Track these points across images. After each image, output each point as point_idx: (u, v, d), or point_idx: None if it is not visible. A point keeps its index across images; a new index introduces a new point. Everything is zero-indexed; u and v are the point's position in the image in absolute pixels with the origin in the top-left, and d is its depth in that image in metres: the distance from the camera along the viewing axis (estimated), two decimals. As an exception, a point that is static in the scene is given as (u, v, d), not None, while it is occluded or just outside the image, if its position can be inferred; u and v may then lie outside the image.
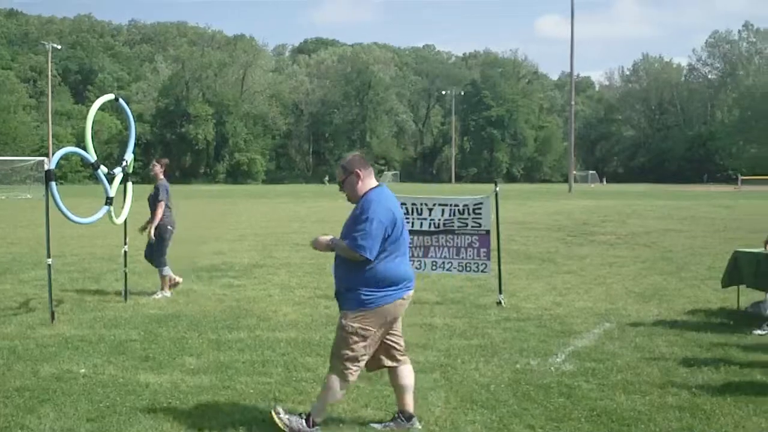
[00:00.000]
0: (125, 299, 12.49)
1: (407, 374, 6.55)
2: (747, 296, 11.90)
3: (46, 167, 10.85)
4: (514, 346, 9.38)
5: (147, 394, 7.29)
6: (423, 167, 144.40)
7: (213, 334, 9.96)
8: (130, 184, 12.33)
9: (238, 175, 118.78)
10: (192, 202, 49.70)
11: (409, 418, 6.44)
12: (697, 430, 6.33)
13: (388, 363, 6.53)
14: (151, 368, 8.28)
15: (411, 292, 6.51)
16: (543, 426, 6.45)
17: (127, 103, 12.77)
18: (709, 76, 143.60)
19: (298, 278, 15.22)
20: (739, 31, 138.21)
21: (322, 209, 40.93)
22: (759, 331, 10.02)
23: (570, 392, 7.39)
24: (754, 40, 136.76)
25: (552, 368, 8.31)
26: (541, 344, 9.49)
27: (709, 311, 11.68)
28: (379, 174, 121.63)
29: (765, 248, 10.97)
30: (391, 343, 6.53)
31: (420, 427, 6.44)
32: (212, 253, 19.69)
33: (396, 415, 6.49)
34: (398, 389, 6.52)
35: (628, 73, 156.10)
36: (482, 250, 12.49)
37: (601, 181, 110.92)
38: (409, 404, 6.48)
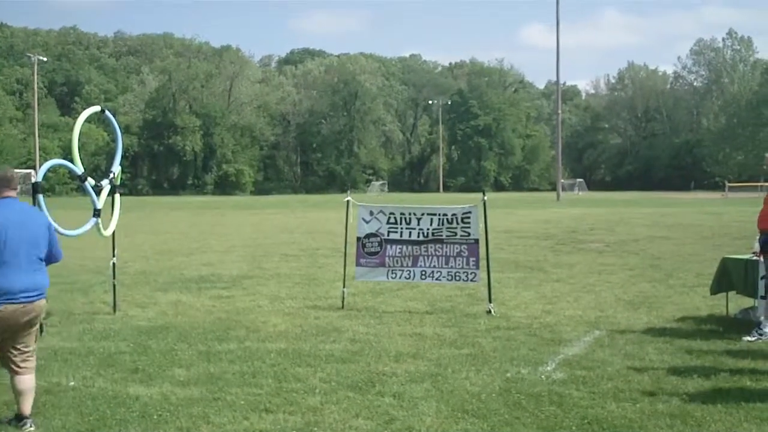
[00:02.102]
0: (114, 311, 12.45)
1: (23, 382, 6.85)
2: (736, 303, 11.94)
3: (33, 180, 10.82)
4: (504, 354, 9.39)
5: (137, 406, 7.26)
6: (411, 177, 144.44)
7: (203, 346, 9.93)
8: (117, 196, 12.29)
9: (226, 186, 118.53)
10: (180, 213, 49.62)
11: (20, 419, 6.75)
12: (688, 437, 6.34)
13: (11, 368, 6.89)
14: (140, 380, 8.25)
15: (12, 306, 6.62)
16: (534, 434, 6.45)
17: (114, 115, 12.76)
18: (695, 84, 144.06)
19: (287, 289, 15.19)
20: (723, 39, 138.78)
21: (310, 220, 40.91)
22: (748, 338, 10.05)
23: (561, 400, 7.40)
24: (738, 47, 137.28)
25: (542, 377, 8.31)
26: (531, 353, 9.50)
27: (699, 318, 11.71)
28: (366, 183, 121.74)
29: (755, 255, 11.01)
30: (8, 354, 6.85)
31: (33, 429, 6.67)
32: (201, 264, 19.65)
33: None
34: (15, 393, 6.87)
35: (613, 81, 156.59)
36: (471, 259, 12.52)
37: (574, 191, 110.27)
38: (24, 408, 6.77)
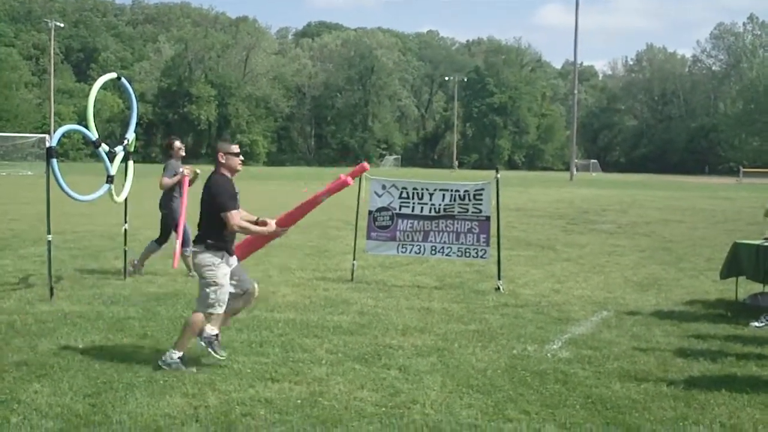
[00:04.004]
0: (125, 277, 12.52)
1: None
2: (745, 288, 11.92)
3: (47, 144, 10.87)
4: (511, 332, 9.41)
5: (144, 371, 7.31)
6: (425, 152, 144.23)
7: (211, 314, 9.96)
8: (131, 163, 12.31)
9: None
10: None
11: None
12: (691, 420, 6.34)
13: None
14: (149, 346, 8.30)
15: None
16: (538, 412, 6.47)
17: (130, 83, 12.75)
18: (713, 68, 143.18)
19: (297, 260, 15.23)
20: (744, 24, 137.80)
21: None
22: (756, 323, 10.04)
23: (566, 379, 7.42)
24: (759, 32, 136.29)
25: (548, 355, 8.33)
26: (538, 331, 9.51)
27: (707, 302, 11.70)
28: (380, 158, 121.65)
29: (766, 241, 10.99)
30: None
31: None
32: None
33: None
34: None
35: (631, 63, 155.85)
36: (482, 235, 12.53)
37: (588, 171, 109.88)
38: None
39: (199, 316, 7.58)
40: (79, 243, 16.87)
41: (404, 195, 12.89)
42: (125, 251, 12.91)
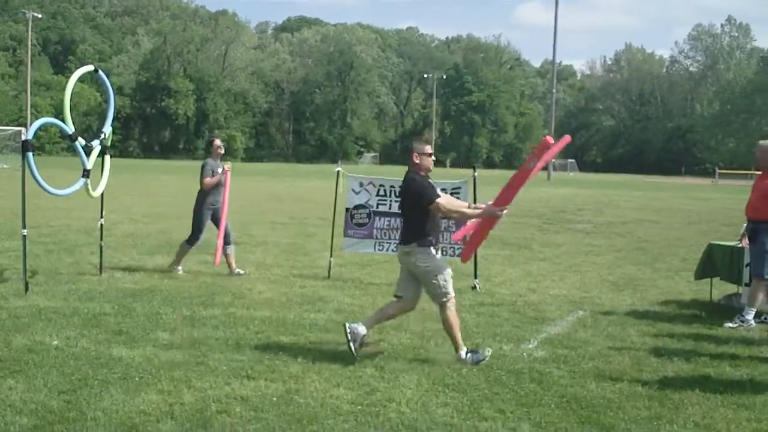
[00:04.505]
0: (100, 272, 12.45)
1: None
2: (719, 289, 12.00)
3: (23, 137, 10.80)
4: (487, 330, 9.44)
5: (119, 367, 7.28)
6: (403, 150, 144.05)
7: (187, 310, 9.95)
8: (107, 157, 12.25)
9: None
10: (170, 177, 49.54)
11: None
12: (665, 419, 6.38)
13: None
14: (124, 342, 8.27)
15: None
16: (513, 411, 6.49)
17: (107, 76, 12.69)
18: (691, 69, 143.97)
19: (274, 257, 15.22)
20: (722, 25, 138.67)
21: (300, 189, 40.89)
22: (730, 324, 10.11)
23: (541, 378, 7.45)
24: (737, 34, 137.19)
25: (524, 354, 8.36)
26: (514, 330, 9.55)
27: (682, 302, 11.78)
28: (358, 155, 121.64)
29: (740, 242, 11.09)
30: None
31: None
32: (188, 228, 19.58)
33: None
34: None
35: (610, 62, 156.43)
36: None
37: (565, 171, 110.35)
38: None
39: (447, 313, 8.01)
40: (54, 237, 16.77)
41: (381, 192, 12.91)
42: (101, 246, 12.85)
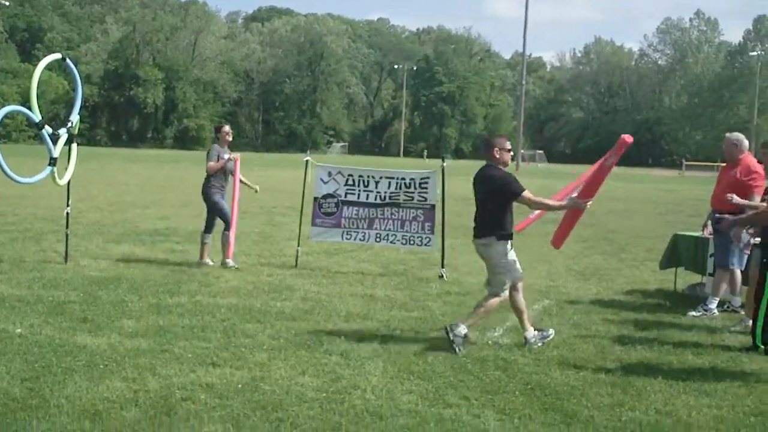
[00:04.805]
0: (66, 261, 12.37)
1: None
2: (684, 278, 12.12)
3: (-12, 124, 10.68)
4: (453, 319, 9.42)
5: (84, 355, 7.25)
6: (372, 140, 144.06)
7: (153, 298, 9.92)
8: (74, 146, 12.12)
9: (186, 140, 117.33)
10: (138, 166, 49.27)
11: None
12: (627, 406, 6.45)
13: None
14: (89, 330, 8.24)
15: None
16: (478, 398, 6.53)
17: (75, 64, 12.57)
18: (659, 62, 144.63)
19: (241, 245, 15.16)
20: (690, 19, 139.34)
21: (269, 178, 40.74)
22: (694, 313, 10.22)
23: (506, 366, 7.50)
24: (705, 28, 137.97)
25: (489, 342, 8.42)
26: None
27: (647, 292, 11.88)
28: (327, 145, 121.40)
29: (703, 232, 11.21)
30: None
31: None
32: (156, 217, 19.57)
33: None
34: None
35: (579, 55, 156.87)
36: (427, 224, 12.60)
37: (534, 162, 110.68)
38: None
39: (496, 300, 8.31)
40: (20, 225, 16.64)
41: (350, 182, 12.91)
42: (67, 234, 12.76)
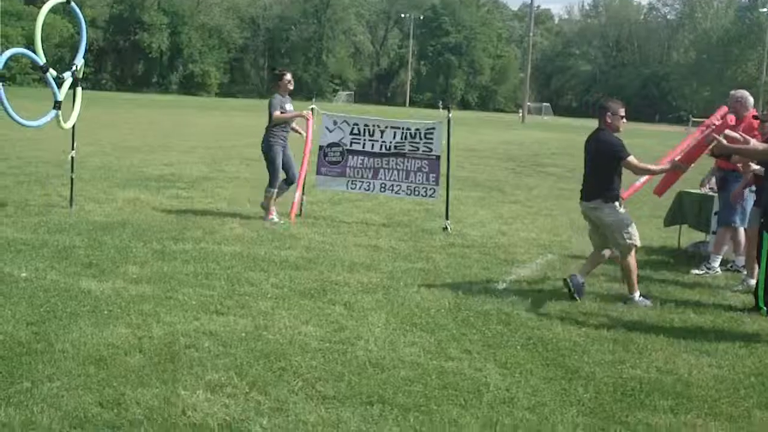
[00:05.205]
0: (71, 205, 12.35)
1: None
2: (688, 236, 12.10)
3: (-7, 67, 10.61)
4: (457, 271, 9.49)
5: (89, 300, 7.28)
6: (378, 89, 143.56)
7: (158, 245, 9.93)
8: (79, 90, 12.08)
9: (191, 86, 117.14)
10: (143, 111, 49.14)
11: None
12: (628, 364, 6.47)
13: None
14: (93, 275, 8.26)
15: None
16: (480, 351, 6.55)
17: (80, 8, 12.47)
18: (668, 17, 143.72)
19: (246, 193, 15.16)
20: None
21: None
22: (697, 271, 10.22)
23: (508, 320, 7.51)
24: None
25: (492, 295, 8.42)
26: (483, 271, 9.61)
27: (650, 249, 11.86)
28: (333, 93, 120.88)
29: (701, 189, 11.23)
30: None
31: None
32: (161, 163, 19.55)
33: None
34: None
35: (588, 8, 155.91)
36: (431, 175, 12.56)
37: (540, 114, 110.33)
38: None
39: (628, 259, 8.49)
40: (24, 169, 16.64)
41: (355, 131, 12.85)
42: (72, 179, 12.71)
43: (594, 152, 8.71)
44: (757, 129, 9.67)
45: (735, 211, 10.15)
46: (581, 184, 8.89)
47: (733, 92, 10.57)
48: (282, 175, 12.41)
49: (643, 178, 10.11)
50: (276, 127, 12.18)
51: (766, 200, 8.52)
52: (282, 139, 12.25)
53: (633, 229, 8.49)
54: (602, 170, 8.60)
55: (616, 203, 8.52)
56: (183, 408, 5.08)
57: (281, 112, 12.10)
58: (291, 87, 12.49)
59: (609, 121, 8.62)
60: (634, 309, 8.20)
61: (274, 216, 12.29)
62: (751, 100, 10.41)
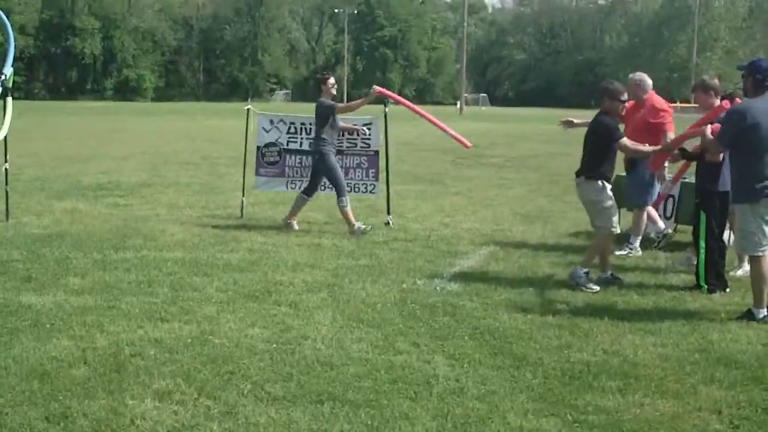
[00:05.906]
0: (7, 218, 12.14)
1: None
2: (626, 219, 12.22)
3: None
4: (401, 266, 9.51)
5: (29, 315, 7.16)
6: (315, 87, 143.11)
7: (98, 254, 9.81)
8: (10, 99, 11.86)
9: (126, 91, 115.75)
10: (78, 119, 48.47)
11: None
12: (575, 348, 6.54)
13: None
14: (33, 289, 8.12)
15: None
16: (428, 344, 6.58)
17: (7, 15, 12.28)
18: (600, 2, 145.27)
19: (186, 197, 15.06)
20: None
21: (211, 128, 40.37)
22: (620, 252, 10.42)
23: (454, 311, 7.56)
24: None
25: (437, 288, 8.46)
26: (427, 264, 9.64)
27: (591, 234, 11.88)
28: (270, 92, 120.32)
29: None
30: None
31: None
32: (98, 171, 19.29)
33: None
34: None
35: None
36: (371, 170, 12.57)
37: (477, 105, 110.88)
38: None
39: (602, 239, 8.92)
40: (-42, 183, 16.32)
41: (292, 130, 12.81)
42: (7, 191, 12.50)
43: (589, 132, 9.05)
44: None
45: (644, 191, 10.43)
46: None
47: (631, 75, 10.90)
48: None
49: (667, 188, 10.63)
50: (327, 133, 11.67)
51: (700, 182, 8.70)
52: (333, 146, 11.82)
53: (614, 217, 8.89)
54: (593, 149, 8.88)
55: (600, 182, 8.77)
56: (131, 418, 5.04)
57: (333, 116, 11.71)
58: (334, 91, 12.06)
59: (607, 104, 8.96)
60: (579, 293, 8.30)
61: (294, 222, 11.99)
62: (649, 81, 10.74)
